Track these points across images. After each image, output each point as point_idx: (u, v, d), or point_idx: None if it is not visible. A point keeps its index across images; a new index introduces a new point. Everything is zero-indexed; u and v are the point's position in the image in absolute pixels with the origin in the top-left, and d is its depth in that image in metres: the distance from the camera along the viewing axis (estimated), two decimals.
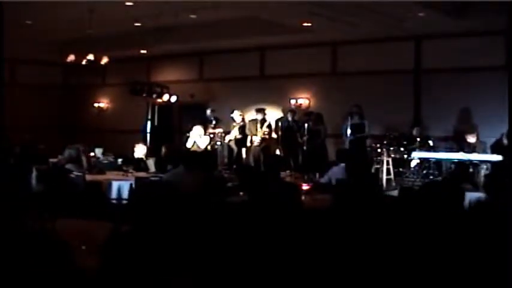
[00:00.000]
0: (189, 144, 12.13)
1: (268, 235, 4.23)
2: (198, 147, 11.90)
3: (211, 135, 12.55)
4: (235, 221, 4.75)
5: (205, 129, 12.36)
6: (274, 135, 13.14)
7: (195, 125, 12.13)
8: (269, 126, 13.14)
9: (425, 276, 2.76)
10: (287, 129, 13.00)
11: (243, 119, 13.34)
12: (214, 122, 12.93)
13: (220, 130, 12.97)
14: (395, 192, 8.94)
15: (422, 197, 3.18)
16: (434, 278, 2.74)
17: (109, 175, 9.27)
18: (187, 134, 12.26)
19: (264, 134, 12.99)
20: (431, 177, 10.72)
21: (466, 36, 11.88)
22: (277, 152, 13.27)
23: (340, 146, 11.83)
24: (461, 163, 10.05)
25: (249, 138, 13.20)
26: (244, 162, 12.99)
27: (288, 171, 11.77)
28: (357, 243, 3.22)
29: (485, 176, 7.20)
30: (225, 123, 13.29)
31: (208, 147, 12.34)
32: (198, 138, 12.00)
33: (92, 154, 10.91)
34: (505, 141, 10.10)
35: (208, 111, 13.42)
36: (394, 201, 6.46)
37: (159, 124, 14.67)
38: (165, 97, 13.06)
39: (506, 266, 2.68)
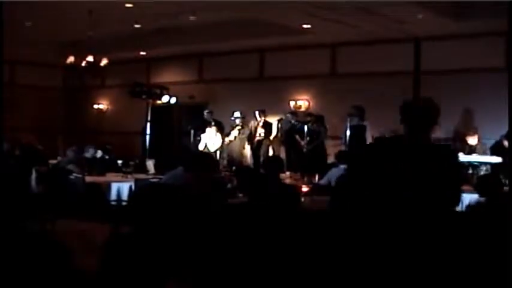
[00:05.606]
0: (201, 146, 12.36)
1: (268, 237, 4.23)
2: (208, 149, 12.12)
3: None
4: (234, 223, 4.75)
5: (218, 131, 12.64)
6: (271, 137, 13.17)
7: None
8: (268, 127, 13.17)
9: (424, 276, 2.76)
10: (287, 130, 12.99)
11: (244, 120, 13.37)
12: (213, 124, 12.95)
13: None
14: None
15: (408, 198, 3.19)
16: (431, 279, 2.74)
17: (109, 177, 9.30)
18: (198, 138, 12.54)
19: (259, 135, 13.02)
20: None
21: (466, 37, 11.87)
22: (271, 151, 13.29)
23: (340, 147, 11.80)
24: None
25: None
26: (243, 164, 13.00)
27: (287, 173, 11.79)
28: (356, 245, 3.22)
29: (478, 177, 7.15)
30: (224, 124, 13.31)
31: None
32: (208, 140, 12.19)
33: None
34: (505, 143, 10.09)
35: (205, 113, 13.41)
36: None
37: (159, 125, 14.67)
38: (165, 98, 13.03)
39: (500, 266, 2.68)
